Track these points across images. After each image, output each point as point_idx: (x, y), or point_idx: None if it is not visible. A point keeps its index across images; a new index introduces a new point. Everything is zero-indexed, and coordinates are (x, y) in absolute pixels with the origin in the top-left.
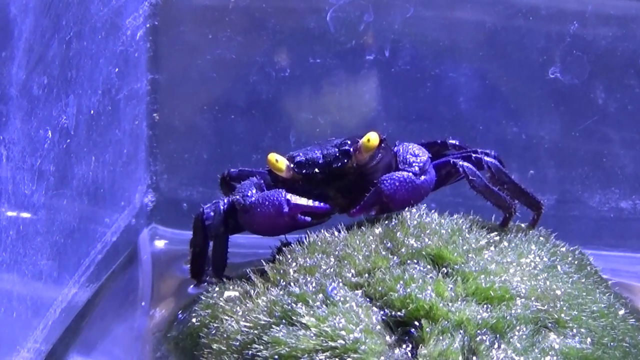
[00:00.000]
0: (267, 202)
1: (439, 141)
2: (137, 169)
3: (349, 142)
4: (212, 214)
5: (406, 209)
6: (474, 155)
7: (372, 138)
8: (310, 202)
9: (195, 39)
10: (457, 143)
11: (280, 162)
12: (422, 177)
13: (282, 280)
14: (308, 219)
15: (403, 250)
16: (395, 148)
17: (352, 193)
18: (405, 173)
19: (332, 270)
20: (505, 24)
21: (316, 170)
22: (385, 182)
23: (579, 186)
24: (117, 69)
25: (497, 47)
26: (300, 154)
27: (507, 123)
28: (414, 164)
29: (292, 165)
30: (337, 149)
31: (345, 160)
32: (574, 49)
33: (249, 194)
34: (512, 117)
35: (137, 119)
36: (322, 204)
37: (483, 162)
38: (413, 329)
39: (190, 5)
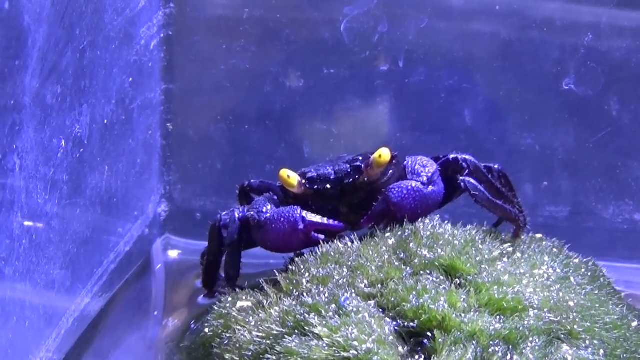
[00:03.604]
0: (282, 219)
1: (442, 156)
2: (150, 178)
3: (360, 158)
4: (228, 220)
5: (418, 220)
6: (451, 157)
7: (384, 154)
8: (324, 220)
9: (210, 49)
10: (458, 156)
11: (292, 178)
12: (430, 188)
13: (295, 291)
14: (322, 236)
15: (416, 260)
16: (405, 162)
17: (364, 209)
18: (413, 182)
19: (345, 280)
20: (520, 35)
21: (328, 186)
22: (392, 190)
23: (593, 198)
24: (131, 79)
25: (511, 58)
26: (312, 170)
27: (521, 134)
28: (422, 174)
29: (303, 181)
30: (348, 165)
31: (357, 176)
32: (589, 60)
33: (264, 210)
34: (526, 129)
35: (150, 128)
36: (336, 222)
37: (460, 160)
38: (426, 340)
39: (204, 16)
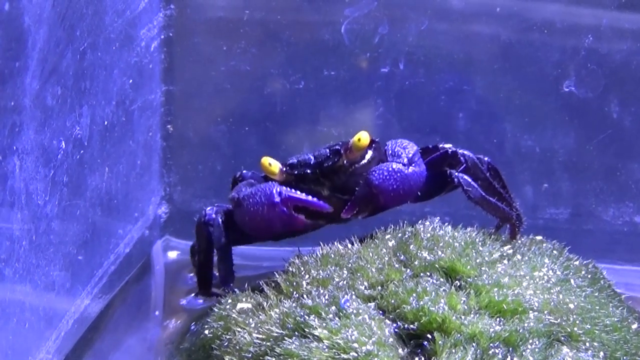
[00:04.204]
0: (259, 193)
1: (430, 146)
2: (150, 180)
3: (340, 144)
4: (213, 215)
5: (402, 203)
6: (450, 150)
7: (363, 137)
8: (304, 196)
9: (210, 50)
10: (450, 147)
11: (273, 165)
12: (411, 168)
13: (295, 293)
14: (302, 217)
15: (416, 262)
16: (386, 146)
17: (346, 193)
18: (393, 164)
19: (345, 282)
20: (520, 37)
21: (308, 170)
22: (373, 173)
23: (593, 200)
24: (131, 80)
25: (511, 60)
26: (294, 158)
27: (522, 136)
28: (402, 155)
29: (284, 169)
30: (328, 150)
31: (336, 159)
32: (589, 62)
33: (243, 190)
34: (526, 130)
35: (151, 130)
36: (318, 200)
37: (459, 155)
38: (426, 342)
39: (205, 17)
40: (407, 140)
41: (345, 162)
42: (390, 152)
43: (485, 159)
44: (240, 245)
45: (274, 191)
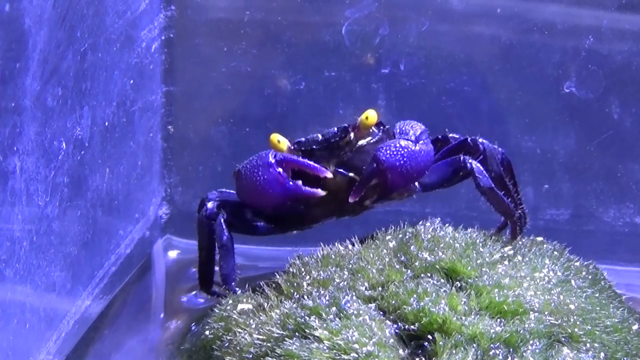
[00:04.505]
0: (255, 157)
1: (440, 136)
2: (151, 181)
3: (348, 124)
4: (215, 209)
5: (410, 182)
6: (469, 138)
7: (371, 116)
8: (300, 159)
9: (211, 51)
10: (477, 138)
11: (282, 142)
12: (419, 145)
13: (295, 293)
14: (300, 182)
15: (417, 263)
16: (394, 129)
17: (352, 172)
18: (401, 141)
19: (345, 283)
20: (521, 38)
21: (314, 146)
22: (380, 149)
23: (594, 201)
24: (131, 81)
25: (512, 61)
26: (302, 137)
27: (522, 137)
28: (409, 133)
29: (292, 146)
30: (336, 128)
31: (343, 135)
32: (589, 63)
33: (244, 162)
34: (527, 131)
35: (151, 131)
36: (316, 165)
37: (478, 144)
38: (426, 343)
39: (205, 18)
40: (414, 121)
41: (352, 138)
42: (398, 131)
43: (500, 149)
44: (247, 234)
45: (270, 154)
